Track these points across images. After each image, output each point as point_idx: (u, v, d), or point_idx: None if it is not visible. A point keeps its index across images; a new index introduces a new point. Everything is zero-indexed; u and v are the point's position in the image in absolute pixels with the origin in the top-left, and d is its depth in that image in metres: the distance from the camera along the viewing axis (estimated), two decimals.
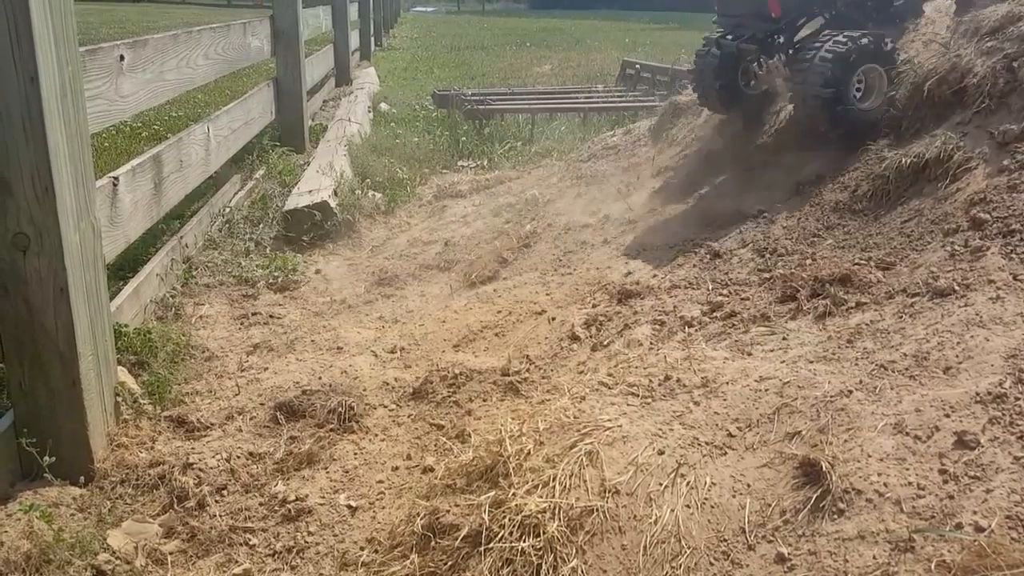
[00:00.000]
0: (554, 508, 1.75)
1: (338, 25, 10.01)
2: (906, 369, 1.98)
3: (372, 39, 14.67)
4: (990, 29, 3.10)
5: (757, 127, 4.18)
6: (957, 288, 2.27)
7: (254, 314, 3.58)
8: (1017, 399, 1.74)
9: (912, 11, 3.84)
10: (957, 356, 1.95)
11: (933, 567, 1.43)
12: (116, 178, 2.92)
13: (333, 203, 4.72)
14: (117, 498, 2.28)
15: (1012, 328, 1.99)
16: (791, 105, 3.72)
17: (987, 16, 3.17)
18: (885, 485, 1.63)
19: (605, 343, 2.88)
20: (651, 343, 2.73)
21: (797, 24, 3.77)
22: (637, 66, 8.82)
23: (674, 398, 2.16)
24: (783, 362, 2.22)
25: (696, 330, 2.73)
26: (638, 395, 2.21)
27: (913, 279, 2.42)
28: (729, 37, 4.00)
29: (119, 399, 2.55)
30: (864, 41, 3.33)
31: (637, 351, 2.66)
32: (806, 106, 3.45)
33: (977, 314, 2.09)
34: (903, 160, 3.01)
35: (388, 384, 2.85)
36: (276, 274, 4.02)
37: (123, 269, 3.62)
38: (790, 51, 3.73)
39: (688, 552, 1.68)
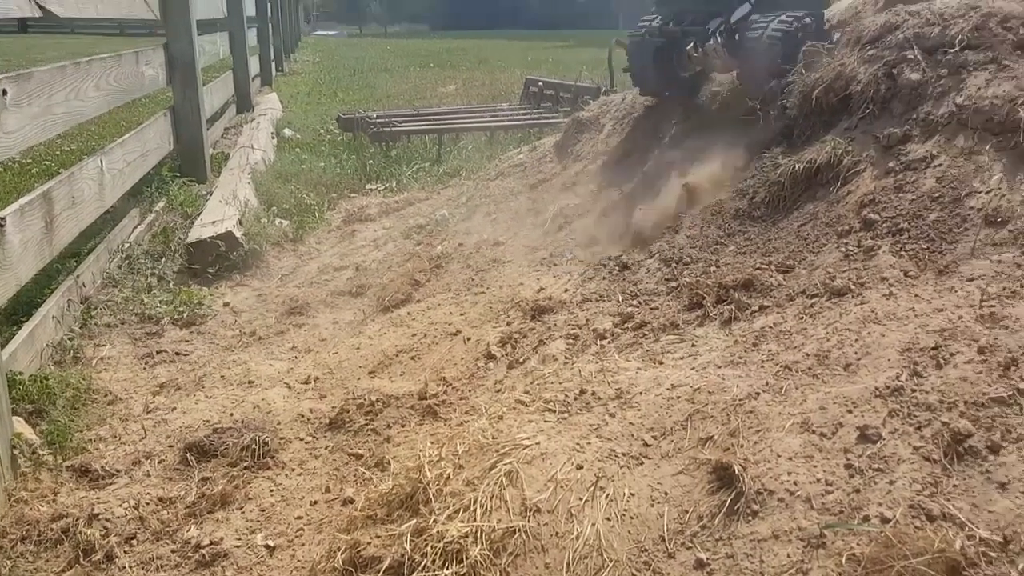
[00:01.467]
0: (476, 532, 1.73)
1: (236, 51, 9.81)
2: (809, 368, 2.04)
3: (273, 64, 14.43)
4: (870, 38, 3.25)
5: (689, 109, 4.36)
6: (853, 287, 2.36)
7: (159, 352, 3.45)
8: (913, 391, 1.82)
9: None
10: (856, 353, 2.02)
11: (844, 561, 1.47)
12: (3, 218, 2.77)
13: (238, 233, 4.60)
14: (18, 556, 2.15)
15: (905, 323, 2.08)
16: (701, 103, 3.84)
17: (867, 25, 3.32)
18: (795, 483, 1.68)
19: (521, 360, 2.88)
20: (566, 357, 2.75)
21: (733, 8, 3.97)
22: (540, 83, 8.92)
23: (590, 411, 2.17)
24: (693, 369, 2.27)
25: (609, 342, 2.76)
26: (555, 411, 2.21)
27: (812, 280, 2.51)
28: (668, 23, 4.18)
29: (16, 451, 2.41)
30: (807, 20, 3.58)
31: (552, 366, 2.67)
32: (754, 82, 3.65)
33: (872, 311, 2.17)
34: (796, 166, 3.12)
35: (303, 416, 2.79)
36: (181, 309, 3.89)
37: (16, 313, 3.43)
38: (725, 34, 3.92)
39: (610, 565, 1.68)
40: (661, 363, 2.40)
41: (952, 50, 2.95)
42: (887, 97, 3.07)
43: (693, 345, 2.47)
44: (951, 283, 2.21)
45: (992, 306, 2.04)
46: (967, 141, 2.75)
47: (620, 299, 3.06)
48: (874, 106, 3.08)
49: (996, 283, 2.15)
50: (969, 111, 2.78)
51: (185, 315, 3.86)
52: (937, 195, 2.65)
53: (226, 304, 4.09)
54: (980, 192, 2.57)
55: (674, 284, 2.99)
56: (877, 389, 1.85)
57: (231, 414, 2.82)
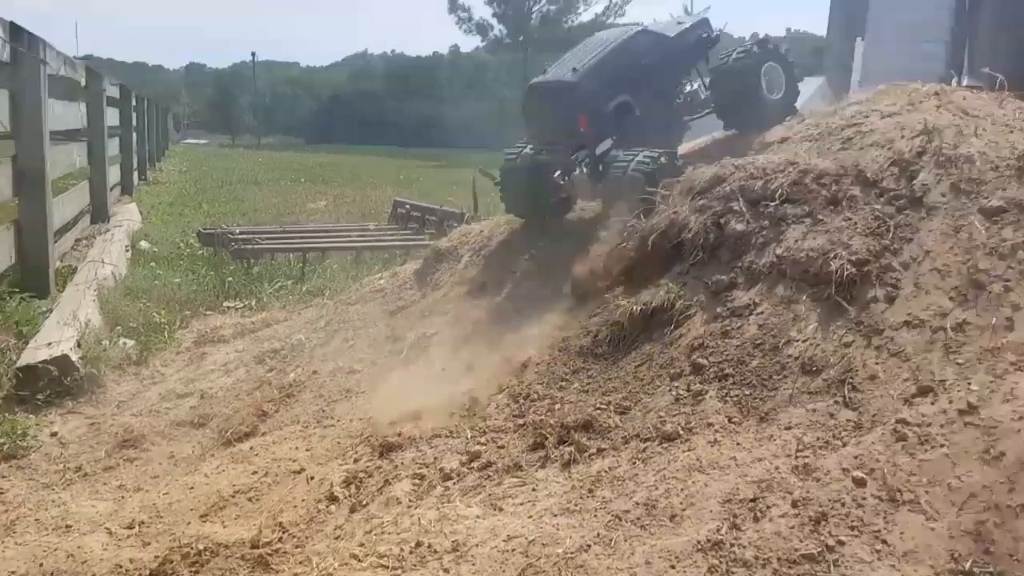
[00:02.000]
0: None
1: (95, 161, 9.47)
2: (638, 519, 2.07)
3: (135, 173, 14.03)
4: (701, 188, 3.47)
5: (545, 239, 4.55)
6: (681, 432, 2.43)
7: None
8: (732, 545, 1.86)
9: (681, 136, 4.75)
10: (681, 503, 2.07)
11: None
12: None
13: (75, 356, 4.32)
14: None
15: (727, 472, 2.15)
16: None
17: (698, 176, 3.55)
18: None
19: (364, 503, 2.78)
20: (410, 501, 2.68)
21: (598, 142, 4.33)
22: (408, 205, 9.05)
23: (424, 567, 2.10)
24: (530, 517, 2.25)
25: (454, 483, 2.71)
26: (388, 567, 2.13)
27: (645, 424, 2.57)
28: (538, 152, 4.50)
29: None
30: (663, 159, 3.98)
31: (394, 511, 2.59)
32: (616, 213, 3.94)
33: (698, 459, 2.24)
34: (634, 308, 3.25)
35: (121, 567, 2.56)
36: (2, 440, 3.58)
37: None
38: (590, 165, 4.30)
39: None
40: (501, 509, 2.37)
41: (773, 203, 3.19)
42: (716, 245, 3.27)
43: (534, 489, 2.46)
44: (770, 431, 2.32)
45: (806, 457, 2.15)
46: (786, 290, 2.95)
47: (469, 435, 3.03)
48: (704, 253, 3.27)
49: (811, 432, 2.27)
50: (788, 262, 2.99)
51: (5, 447, 3.55)
52: (759, 342, 2.80)
53: (54, 434, 3.79)
54: (797, 340, 2.74)
55: (520, 421, 2.99)
56: (699, 543, 1.88)
57: (41, 564, 2.57)
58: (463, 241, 5.09)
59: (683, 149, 4.88)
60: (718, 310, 3.04)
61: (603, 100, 4.33)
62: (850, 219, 2.98)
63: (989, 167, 2.87)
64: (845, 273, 2.78)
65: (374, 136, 52.24)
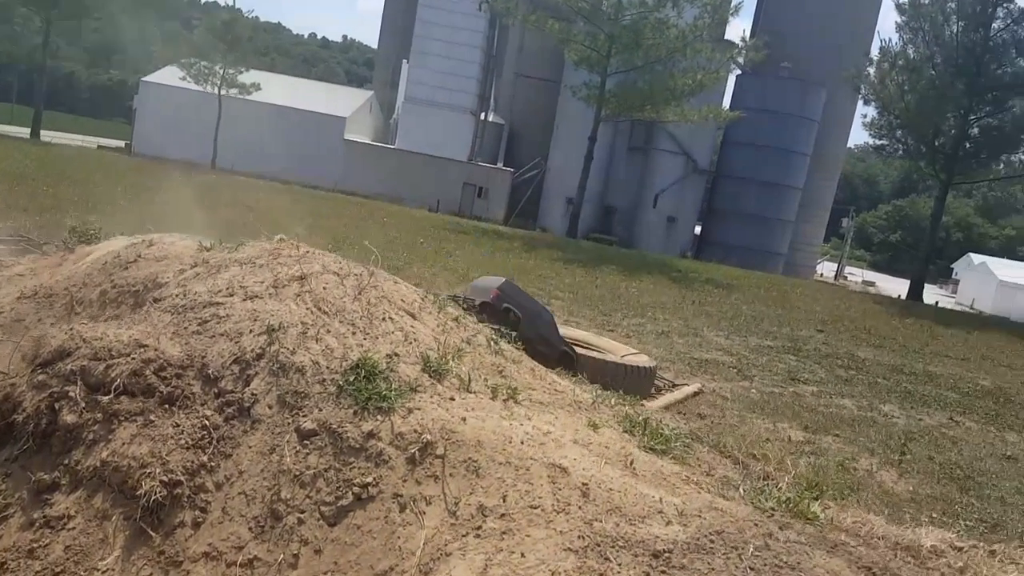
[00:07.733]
0: None
1: None
2: None
3: None
4: (45, 359, 2.99)
5: None
6: None
7: None
8: None
9: None
10: None
11: None
12: None
13: None
14: None
15: None
16: None
17: (48, 342, 3.06)
18: None
19: None
20: None
21: None
22: None
23: None
24: None
25: None
26: None
27: None
28: None
29: None
30: None
31: None
32: None
33: None
34: None
35: None
36: None
37: None
38: None
39: None
40: None
41: (109, 395, 2.85)
42: (48, 432, 2.86)
43: None
44: None
45: None
46: (104, 502, 2.68)
47: None
48: (34, 441, 2.84)
49: None
50: (110, 468, 2.71)
51: None
52: (60, 570, 2.50)
53: None
54: (99, 572, 2.49)
55: None
56: None
57: None
58: None
59: None
60: (35, 515, 2.68)
61: None
62: (179, 425, 2.80)
63: (317, 380, 2.87)
64: (154, 496, 2.59)
65: None
